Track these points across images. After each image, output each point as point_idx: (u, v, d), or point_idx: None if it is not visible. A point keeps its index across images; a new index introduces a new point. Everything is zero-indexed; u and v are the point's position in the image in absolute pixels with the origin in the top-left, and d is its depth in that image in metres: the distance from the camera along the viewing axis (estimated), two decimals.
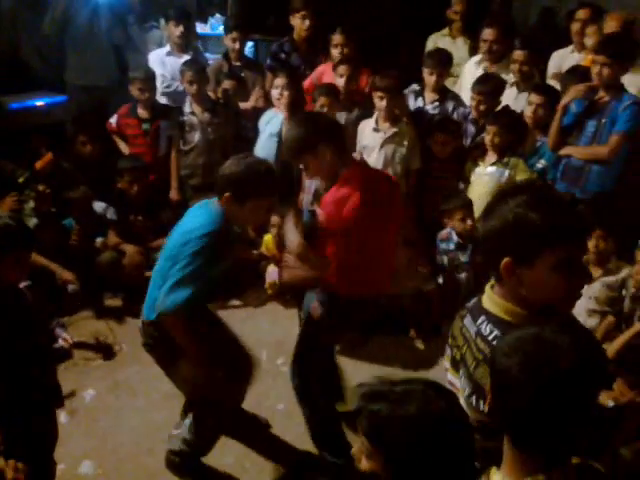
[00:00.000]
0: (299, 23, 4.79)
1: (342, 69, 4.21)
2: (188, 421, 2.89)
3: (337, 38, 4.53)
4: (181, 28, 5.06)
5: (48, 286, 3.76)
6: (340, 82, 4.20)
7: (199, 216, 2.55)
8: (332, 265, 2.66)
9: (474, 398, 1.49)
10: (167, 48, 5.17)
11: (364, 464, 1.37)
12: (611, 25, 4.06)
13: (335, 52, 4.53)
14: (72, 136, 4.81)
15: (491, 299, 1.54)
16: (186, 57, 5.00)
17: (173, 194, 4.65)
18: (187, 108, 4.61)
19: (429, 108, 4.31)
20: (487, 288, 1.58)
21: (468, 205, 3.72)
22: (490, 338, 1.49)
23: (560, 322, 1.26)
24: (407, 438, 1.30)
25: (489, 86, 4.03)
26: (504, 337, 1.27)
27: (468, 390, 1.52)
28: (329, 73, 4.61)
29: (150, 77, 4.67)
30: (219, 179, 2.56)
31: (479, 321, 1.55)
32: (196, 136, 4.60)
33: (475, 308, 1.60)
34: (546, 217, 1.41)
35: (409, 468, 1.31)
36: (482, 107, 4.02)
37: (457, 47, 4.95)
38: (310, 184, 4.12)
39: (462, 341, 1.60)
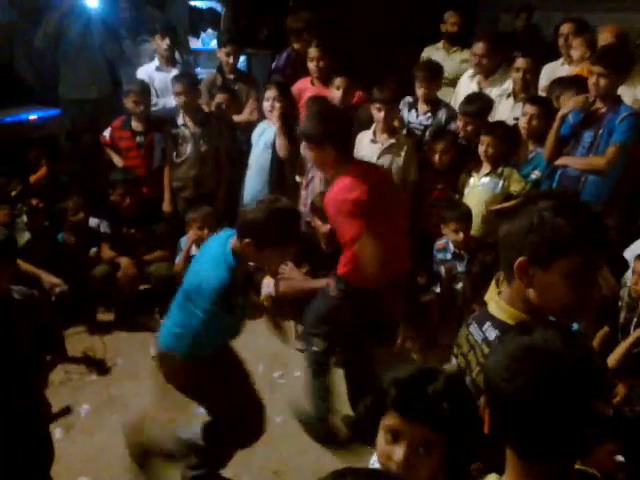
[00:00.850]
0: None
1: (339, 81, 4.24)
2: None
3: (313, 52, 4.57)
4: (167, 41, 5.07)
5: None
6: (337, 94, 4.22)
7: (216, 262, 2.44)
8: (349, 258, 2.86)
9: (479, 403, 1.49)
10: (156, 62, 5.17)
11: (425, 464, 1.34)
12: (605, 37, 4.10)
13: (311, 66, 4.57)
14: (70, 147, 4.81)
15: (497, 305, 1.54)
16: (175, 71, 5.01)
17: (166, 206, 4.63)
18: (180, 120, 4.62)
19: (422, 119, 4.34)
20: (494, 295, 1.59)
21: (464, 218, 3.72)
22: (495, 343, 1.48)
23: (544, 325, 1.25)
24: (464, 407, 1.36)
25: (475, 107, 4.04)
26: (492, 355, 1.26)
27: (473, 395, 1.52)
28: (308, 87, 4.65)
29: (145, 90, 4.68)
30: (240, 221, 2.44)
31: (485, 327, 1.55)
32: (188, 148, 4.60)
33: (481, 315, 1.61)
34: (571, 224, 1.41)
35: (466, 437, 1.36)
36: (469, 128, 4.04)
37: (452, 60, 4.99)
38: (306, 197, 4.13)
39: (467, 348, 1.60)
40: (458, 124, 4.10)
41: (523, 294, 1.49)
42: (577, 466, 1.26)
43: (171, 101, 4.95)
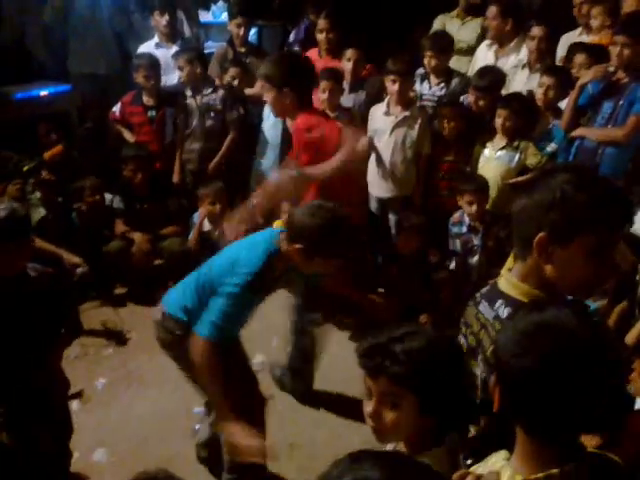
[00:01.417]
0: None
1: (350, 53, 4.18)
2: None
3: (322, 23, 4.51)
4: (167, 17, 4.99)
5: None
6: (348, 66, 4.17)
7: (255, 246, 2.37)
8: None
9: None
10: (156, 39, 5.10)
11: (388, 417, 1.41)
12: (630, 4, 3.99)
13: (320, 37, 4.52)
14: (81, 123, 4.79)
15: (509, 282, 1.51)
16: (175, 48, 4.95)
17: (175, 177, 4.62)
18: (188, 92, 4.58)
19: (435, 90, 4.28)
20: (504, 271, 1.56)
21: (480, 190, 3.68)
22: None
23: (558, 303, 1.23)
24: (433, 365, 1.40)
25: (486, 81, 3.97)
26: (503, 332, 1.22)
27: (485, 374, 1.50)
28: (316, 59, 4.58)
29: (155, 64, 4.61)
30: (290, 224, 2.32)
31: (497, 305, 1.51)
32: (194, 122, 4.58)
33: (491, 293, 1.57)
34: (594, 200, 1.38)
35: (438, 395, 1.40)
36: (481, 102, 3.97)
37: (466, 29, 4.90)
38: None
39: (478, 327, 1.57)
40: (469, 99, 4.04)
41: (539, 270, 1.45)
42: (594, 449, 1.24)
43: (172, 78, 4.92)
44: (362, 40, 4.46)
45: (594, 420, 1.14)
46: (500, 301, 1.51)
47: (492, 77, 4.01)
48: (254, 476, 2.60)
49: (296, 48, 5.17)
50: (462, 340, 1.64)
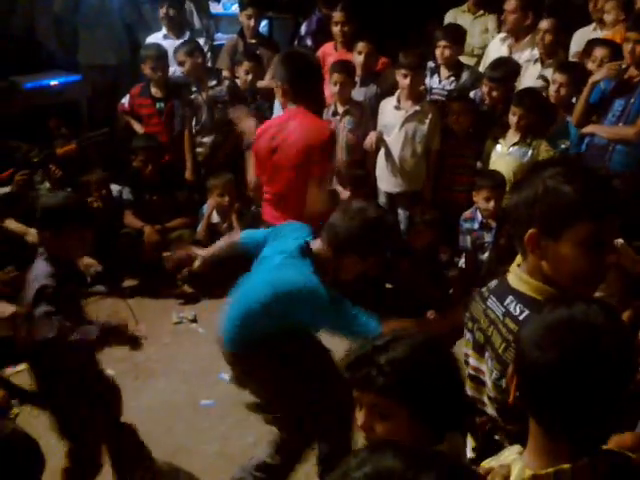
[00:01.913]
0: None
1: (361, 46, 4.16)
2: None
3: (337, 15, 4.49)
4: (171, 9, 4.99)
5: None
6: (359, 59, 4.14)
7: (297, 268, 2.26)
8: None
9: (504, 381, 1.45)
10: (164, 31, 5.09)
11: (379, 428, 1.39)
12: None
13: (335, 30, 4.51)
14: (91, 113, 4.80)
15: (520, 278, 1.49)
16: (181, 40, 4.95)
17: (188, 174, 4.61)
18: (193, 87, 4.57)
19: (445, 84, 4.25)
20: (514, 267, 1.54)
21: (497, 186, 3.64)
22: (522, 318, 1.44)
23: (586, 299, 1.21)
24: (419, 373, 1.38)
25: (501, 72, 3.95)
26: (528, 325, 1.21)
27: (496, 373, 1.48)
28: (331, 52, 4.58)
29: (162, 55, 4.60)
30: (329, 229, 2.24)
31: (507, 301, 1.49)
32: (203, 115, 4.57)
33: (500, 288, 1.55)
34: (579, 190, 1.36)
35: (430, 405, 1.38)
36: (495, 94, 3.94)
37: (475, 28, 4.86)
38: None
39: (487, 323, 1.55)
40: (483, 90, 4.01)
41: (538, 266, 1.44)
42: (609, 447, 1.22)
43: (178, 69, 4.91)
44: (376, 33, 4.43)
45: (612, 417, 1.14)
46: (510, 297, 1.49)
47: (507, 68, 3.99)
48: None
49: (308, 40, 5.14)
50: (468, 335, 1.63)
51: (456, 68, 4.26)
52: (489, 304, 1.55)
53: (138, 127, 4.69)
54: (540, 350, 1.12)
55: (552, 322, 1.14)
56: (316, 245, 2.28)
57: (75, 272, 2.46)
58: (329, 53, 4.61)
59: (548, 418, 1.14)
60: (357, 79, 4.18)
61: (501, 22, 4.65)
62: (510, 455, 1.24)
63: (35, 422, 2.94)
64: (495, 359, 1.50)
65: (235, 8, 6.33)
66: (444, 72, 4.28)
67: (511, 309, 1.47)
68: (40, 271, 2.28)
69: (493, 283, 1.61)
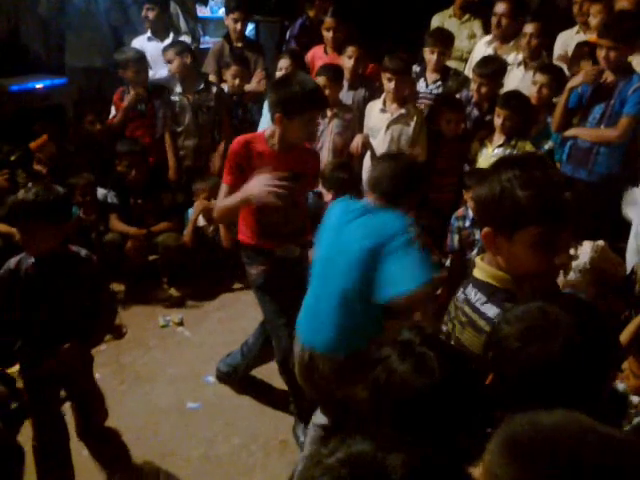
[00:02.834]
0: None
1: (351, 50, 4.18)
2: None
3: (329, 21, 4.51)
4: (155, 12, 4.97)
5: None
6: (349, 63, 4.17)
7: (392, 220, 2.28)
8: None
9: None
10: (148, 33, 5.08)
11: None
12: (623, 4, 4.00)
13: (326, 35, 4.53)
14: (78, 117, 4.77)
15: (479, 267, 1.59)
16: (166, 42, 4.94)
17: (171, 174, 4.59)
18: (178, 88, 4.55)
19: (432, 87, 4.28)
20: (478, 259, 1.63)
21: None
22: (474, 301, 1.55)
23: (566, 300, 1.26)
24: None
25: (490, 68, 3.98)
26: (505, 321, 1.26)
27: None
28: (321, 56, 4.59)
29: (142, 57, 4.58)
30: (376, 183, 2.35)
31: (468, 289, 1.60)
32: (187, 118, 4.56)
33: (466, 280, 1.65)
34: (531, 197, 1.43)
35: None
36: (483, 90, 3.98)
37: (462, 33, 4.89)
38: None
39: (453, 312, 1.64)
40: (472, 86, 4.03)
41: (495, 259, 1.54)
42: None
43: (163, 71, 4.91)
44: (366, 38, 4.45)
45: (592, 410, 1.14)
46: (470, 285, 1.59)
47: (495, 65, 4.03)
48: None
49: (292, 44, 5.17)
50: (443, 328, 1.71)
51: (442, 72, 4.28)
52: (457, 295, 1.65)
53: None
54: (507, 324, 1.18)
55: (527, 307, 1.20)
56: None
57: (61, 268, 2.41)
58: (319, 56, 4.63)
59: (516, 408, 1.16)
60: (344, 83, 4.19)
61: (488, 26, 4.66)
62: None
63: None
64: (455, 343, 1.59)
65: (222, 11, 6.33)
66: (430, 76, 4.30)
67: (469, 295, 1.58)
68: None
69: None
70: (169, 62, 4.48)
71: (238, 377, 3.36)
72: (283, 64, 4.14)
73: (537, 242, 1.44)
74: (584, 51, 3.97)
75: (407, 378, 1.25)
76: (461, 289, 1.64)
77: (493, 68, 3.99)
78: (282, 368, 2.93)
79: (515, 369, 1.17)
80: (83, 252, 2.48)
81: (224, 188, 2.76)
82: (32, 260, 2.38)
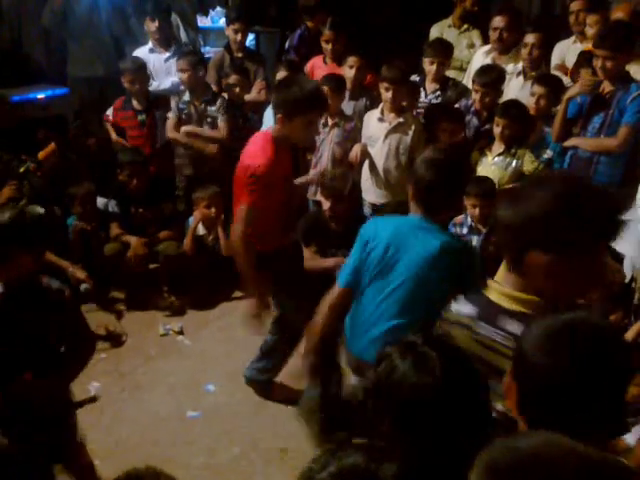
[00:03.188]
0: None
1: (352, 60, 4.21)
2: None
3: (328, 33, 4.55)
4: (156, 23, 5.01)
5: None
6: (350, 73, 4.20)
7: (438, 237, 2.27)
8: None
9: None
10: (150, 45, 5.11)
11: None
12: (618, 15, 4.03)
13: (326, 46, 4.57)
14: (77, 129, 4.80)
15: (510, 296, 1.48)
16: (168, 54, 4.99)
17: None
18: (186, 97, 4.58)
19: (431, 97, 4.30)
20: (495, 285, 1.52)
21: (483, 194, 3.66)
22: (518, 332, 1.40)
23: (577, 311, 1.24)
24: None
25: (492, 77, 4.00)
26: (528, 334, 1.22)
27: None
28: (320, 65, 4.62)
29: (140, 68, 4.62)
30: (420, 187, 2.27)
31: (501, 323, 1.47)
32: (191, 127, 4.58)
33: (486, 311, 1.51)
34: (580, 215, 1.38)
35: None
36: (487, 99, 3.99)
37: (461, 43, 4.92)
38: (314, 174, 4.12)
39: (482, 351, 1.49)
40: (474, 97, 4.05)
41: (534, 281, 1.45)
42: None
43: (166, 82, 4.97)
44: (366, 48, 4.49)
45: (612, 421, 1.15)
46: (503, 318, 1.47)
47: (495, 73, 4.05)
48: None
49: (291, 55, 5.20)
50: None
51: (442, 82, 4.31)
52: (480, 331, 1.51)
53: (114, 136, 4.72)
54: (545, 355, 1.13)
55: (554, 329, 1.16)
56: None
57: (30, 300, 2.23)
58: (318, 66, 4.66)
59: (544, 424, 1.11)
60: (346, 93, 4.21)
61: (486, 36, 4.68)
62: None
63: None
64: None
65: (223, 22, 6.38)
66: (430, 86, 4.33)
67: (509, 329, 1.45)
68: None
69: (472, 308, 1.56)
70: (181, 72, 4.48)
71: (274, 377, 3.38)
72: (280, 76, 4.17)
73: (583, 265, 1.41)
74: (585, 60, 3.98)
75: (407, 376, 1.24)
76: (481, 323, 1.50)
77: (493, 76, 4.01)
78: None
79: (536, 379, 1.15)
80: (55, 284, 2.31)
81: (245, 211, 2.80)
82: (1, 288, 2.19)
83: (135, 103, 4.64)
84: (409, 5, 5.92)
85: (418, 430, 1.17)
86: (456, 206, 2.46)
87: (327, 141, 4.05)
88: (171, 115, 4.53)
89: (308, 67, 4.75)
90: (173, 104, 4.53)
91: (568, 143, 3.73)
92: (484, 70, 4.08)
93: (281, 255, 3.02)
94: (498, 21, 4.38)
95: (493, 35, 4.43)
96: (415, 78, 4.38)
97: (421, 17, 5.35)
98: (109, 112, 4.75)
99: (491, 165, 3.87)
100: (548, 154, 3.86)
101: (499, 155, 3.84)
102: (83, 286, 4.02)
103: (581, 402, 1.12)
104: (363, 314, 2.35)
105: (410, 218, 2.34)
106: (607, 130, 3.59)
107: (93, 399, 3.29)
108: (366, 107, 4.25)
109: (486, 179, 3.74)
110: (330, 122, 4.03)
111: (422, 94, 4.33)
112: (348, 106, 4.26)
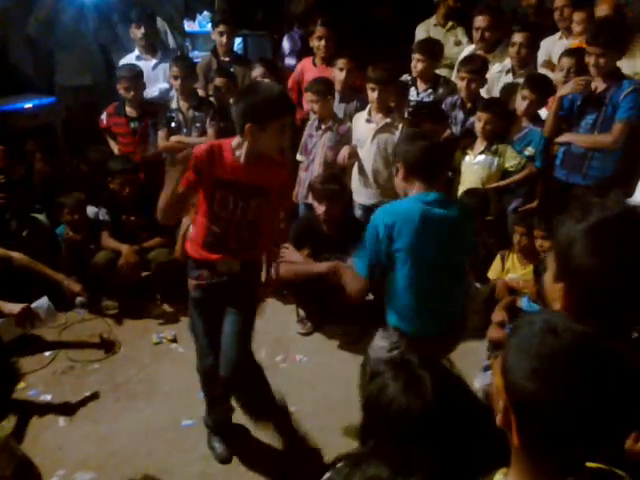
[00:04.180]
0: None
1: (342, 62, 4.21)
2: None
3: (320, 30, 4.53)
4: (142, 30, 4.98)
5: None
6: (340, 75, 4.19)
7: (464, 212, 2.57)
8: None
9: None
10: (136, 52, 5.08)
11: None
12: (602, 9, 4.03)
13: (317, 44, 4.55)
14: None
15: None
16: (155, 61, 4.97)
17: None
18: (174, 104, 4.56)
19: (423, 96, 4.30)
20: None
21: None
22: None
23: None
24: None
25: (477, 65, 4.04)
26: (513, 356, 1.10)
27: None
28: (310, 68, 4.60)
29: (137, 75, 4.60)
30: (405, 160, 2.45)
31: None
32: (182, 134, 4.55)
33: None
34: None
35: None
36: (473, 85, 4.00)
37: (448, 41, 4.91)
38: (305, 177, 4.11)
39: None
40: (460, 85, 4.06)
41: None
42: (595, 464, 1.16)
43: (153, 90, 4.94)
44: (356, 50, 4.48)
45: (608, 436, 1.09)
46: None
47: (479, 60, 4.10)
48: None
49: (292, 59, 5.16)
50: None
51: (432, 80, 4.32)
52: None
53: (113, 144, 4.69)
54: (530, 381, 1.05)
55: (540, 350, 1.07)
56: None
57: None
58: (308, 69, 4.64)
59: (537, 439, 1.08)
60: (337, 95, 4.20)
61: (471, 33, 4.68)
62: (497, 476, 1.18)
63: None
64: None
65: (210, 26, 6.36)
66: (421, 85, 4.33)
67: None
68: None
69: None
70: (174, 78, 4.46)
71: None
72: (257, 73, 4.15)
73: None
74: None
75: (397, 398, 1.24)
76: None
77: (478, 63, 4.06)
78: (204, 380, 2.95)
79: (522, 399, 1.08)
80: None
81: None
82: None
83: (129, 110, 4.61)
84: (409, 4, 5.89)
85: (409, 446, 1.15)
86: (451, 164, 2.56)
87: (319, 145, 4.04)
88: (161, 128, 4.50)
89: (298, 69, 4.73)
90: (163, 116, 4.52)
91: (562, 139, 3.74)
92: (468, 59, 4.13)
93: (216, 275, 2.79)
94: (480, 21, 4.39)
95: (476, 35, 4.45)
96: (407, 77, 4.38)
97: (410, 17, 5.34)
98: (103, 116, 4.72)
99: (474, 164, 3.90)
100: (529, 151, 3.88)
101: (481, 153, 3.87)
102: (78, 299, 4.03)
103: (574, 420, 1.04)
104: (420, 295, 2.47)
105: (415, 197, 2.43)
106: (601, 127, 3.61)
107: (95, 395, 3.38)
108: (357, 109, 4.25)
109: (476, 191, 3.79)
110: (323, 126, 4.02)
111: (414, 93, 4.33)
112: (339, 109, 4.26)
